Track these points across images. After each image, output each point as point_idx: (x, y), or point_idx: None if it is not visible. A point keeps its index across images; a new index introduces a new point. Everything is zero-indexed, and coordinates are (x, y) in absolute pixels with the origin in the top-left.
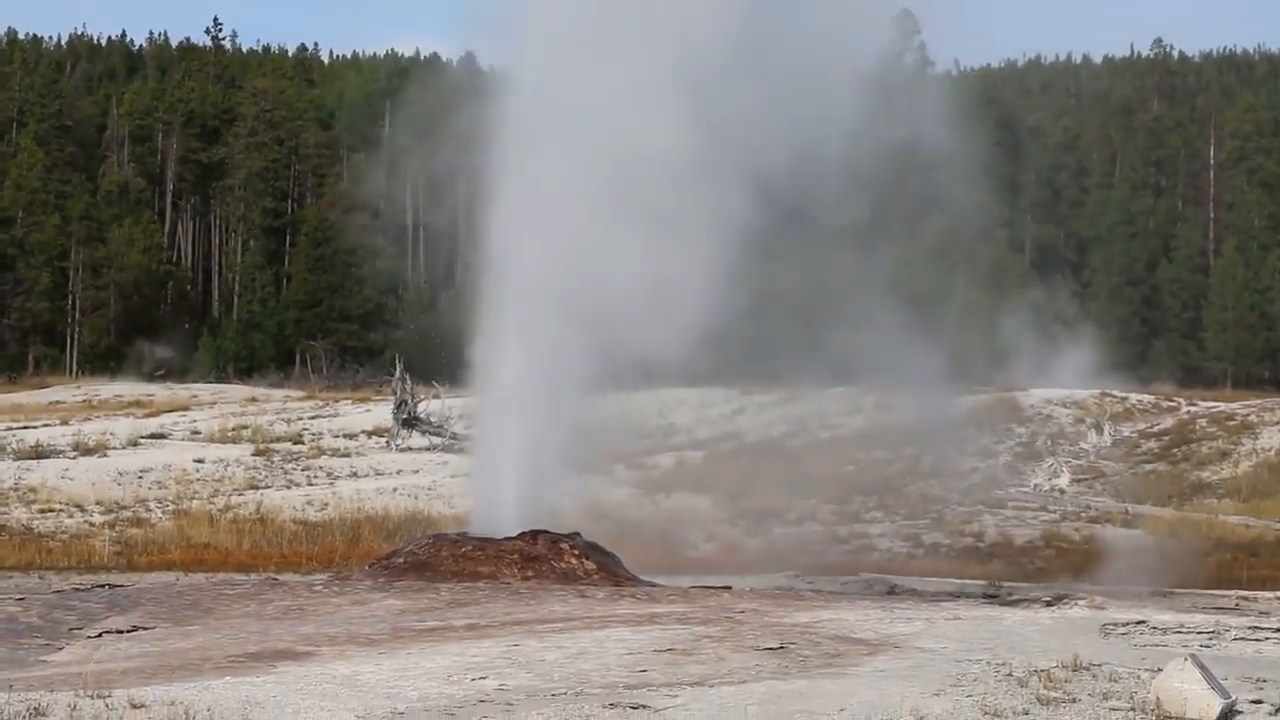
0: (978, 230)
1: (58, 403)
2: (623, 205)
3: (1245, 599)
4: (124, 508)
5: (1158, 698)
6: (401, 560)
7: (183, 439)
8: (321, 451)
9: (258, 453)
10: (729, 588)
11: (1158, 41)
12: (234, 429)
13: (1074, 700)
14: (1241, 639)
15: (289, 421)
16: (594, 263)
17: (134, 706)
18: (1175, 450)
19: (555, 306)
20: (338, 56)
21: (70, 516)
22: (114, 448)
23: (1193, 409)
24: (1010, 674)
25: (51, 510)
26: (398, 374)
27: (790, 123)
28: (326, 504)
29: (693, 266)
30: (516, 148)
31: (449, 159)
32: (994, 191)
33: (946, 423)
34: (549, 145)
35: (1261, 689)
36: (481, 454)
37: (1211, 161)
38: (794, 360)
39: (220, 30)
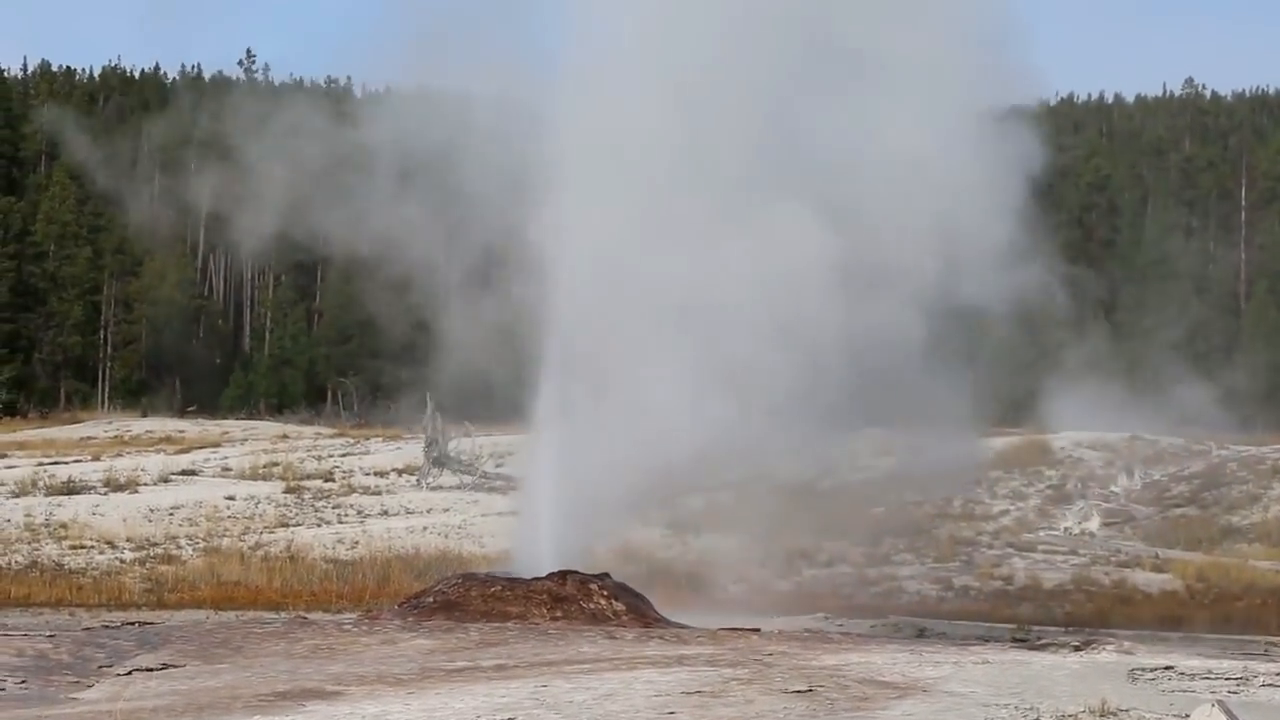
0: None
1: (89, 438)
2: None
3: (1274, 644)
4: (155, 545)
5: None
6: (431, 600)
7: (214, 476)
8: (352, 489)
9: (288, 490)
10: (758, 630)
11: (1189, 81)
12: (265, 466)
13: None
14: (1270, 685)
15: (320, 459)
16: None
17: None
18: (1205, 494)
19: (590, 343)
20: (370, 91)
21: (101, 553)
22: (145, 484)
23: (1223, 453)
24: (1038, 719)
25: (82, 547)
26: (428, 412)
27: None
28: (357, 542)
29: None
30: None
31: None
32: (1025, 230)
33: (974, 465)
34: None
35: None
36: (521, 494)
37: (1243, 202)
38: (826, 401)
39: (253, 63)
